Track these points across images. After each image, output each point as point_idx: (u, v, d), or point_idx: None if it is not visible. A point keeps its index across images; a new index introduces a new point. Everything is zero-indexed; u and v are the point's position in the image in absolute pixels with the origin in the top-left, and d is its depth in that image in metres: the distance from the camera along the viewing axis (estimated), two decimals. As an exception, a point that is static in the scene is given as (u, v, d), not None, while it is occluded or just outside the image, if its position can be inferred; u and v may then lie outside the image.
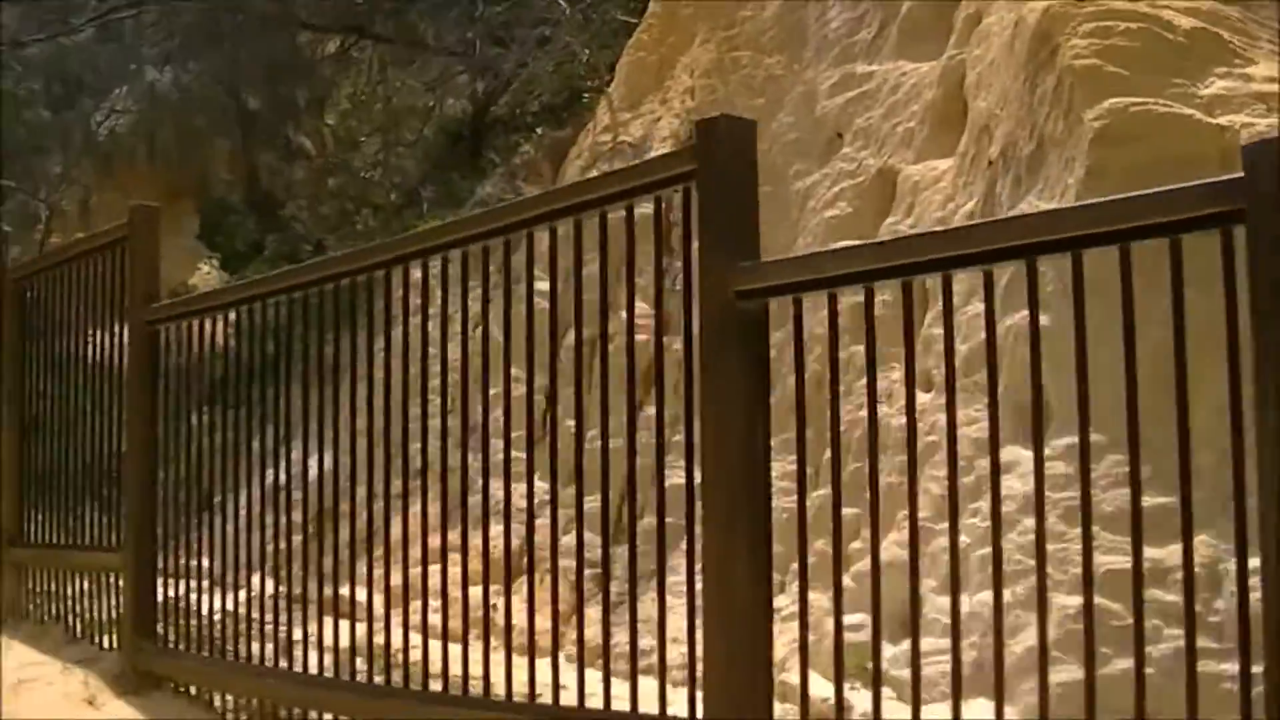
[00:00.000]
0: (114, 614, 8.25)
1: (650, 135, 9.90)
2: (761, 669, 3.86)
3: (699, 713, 4.35)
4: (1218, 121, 6.44)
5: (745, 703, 3.81)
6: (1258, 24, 7.38)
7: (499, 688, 5.48)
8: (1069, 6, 6.81)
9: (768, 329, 3.85)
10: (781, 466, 7.56)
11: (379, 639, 6.22)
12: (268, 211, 16.75)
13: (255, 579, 7.07)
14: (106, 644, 8.27)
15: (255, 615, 6.91)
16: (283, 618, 6.67)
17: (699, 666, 4.41)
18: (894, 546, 6.53)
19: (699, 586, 4.44)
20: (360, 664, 6.19)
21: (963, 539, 6.38)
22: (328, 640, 6.40)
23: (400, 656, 6.06)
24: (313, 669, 6.36)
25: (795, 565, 7.42)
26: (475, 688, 5.51)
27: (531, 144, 11.40)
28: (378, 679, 6.00)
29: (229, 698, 7.02)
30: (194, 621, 7.35)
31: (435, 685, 5.86)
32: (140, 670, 7.52)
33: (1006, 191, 6.83)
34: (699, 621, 4.36)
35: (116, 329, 8.03)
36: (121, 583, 7.93)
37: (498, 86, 13.17)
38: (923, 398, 6.93)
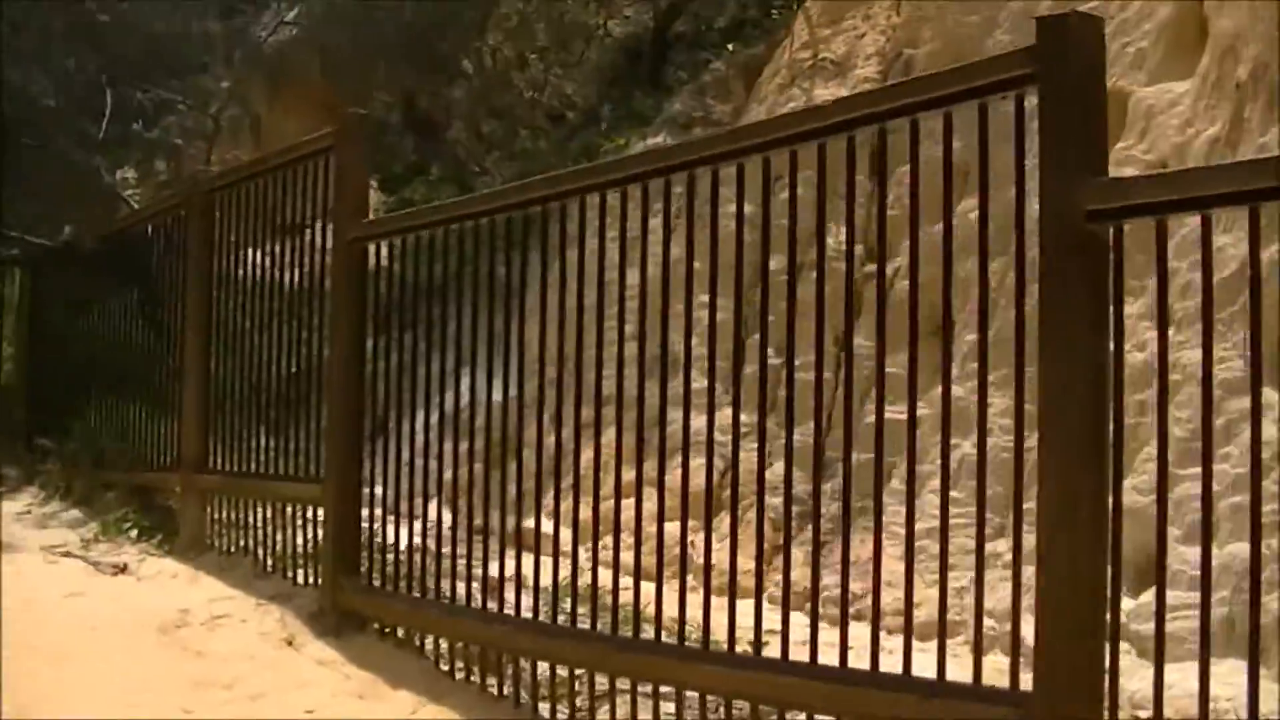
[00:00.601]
0: (308, 547, 7.98)
1: (854, 52, 9.76)
2: (1099, 636, 3.69)
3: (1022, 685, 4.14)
4: None
5: (1081, 676, 3.66)
6: None
7: (704, 631, 5.29)
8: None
9: (1121, 254, 3.68)
10: (1003, 403, 7.50)
11: (583, 580, 6.05)
12: (426, 132, 16.75)
13: (431, 508, 6.90)
14: (300, 579, 7.99)
15: (449, 550, 6.67)
16: (476, 553, 6.43)
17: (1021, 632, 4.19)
18: (1132, 492, 6.40)
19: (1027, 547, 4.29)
20: (575, 609, 6.00)
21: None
22: (527, 578, 6.17)
23: (609, 599, 5.91)
24: (525, 612, 6.09)
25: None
26: (694, 636, 5.28)
27: (722, 61, 11.29)
28: (610, 628, 5.64)
29: (443, 643, 6.62)
30: (395, 558, 7.01)
31: (652, 633, 5.56)
32: (341, 609, 7.23)
33: (1257, 117, 6.65)
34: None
35: (317, 245, 7.87)
36: (321, 515, 7.66)
37: (677, 2, 13.02)
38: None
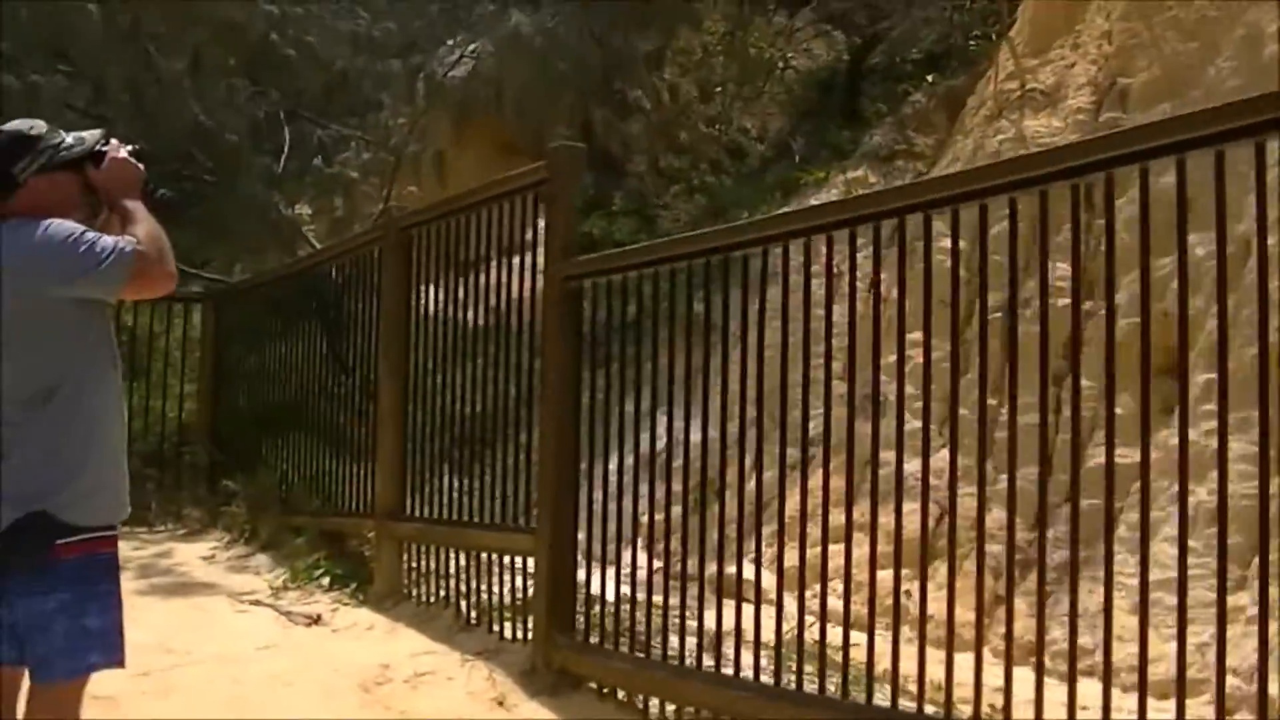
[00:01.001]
0: (515, 599, 7.60)
1: (1064, 83, 9.57)
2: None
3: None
4: None
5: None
6: None
7: (919, 687, 5.05)
8: None
9: None
10: (1242, 447, 7.26)
11: (808, 634, 5.77)
12: (604, 167, 16.74)
13: (627, 553, 6.68)
14: (508, 634, 7.57)
15: (659, 599, 6.41)
16: (689, 603, 6.22)
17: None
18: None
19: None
20: (801, 668, 5.68)
21: None
22: (747, 632, 5.89)
23: (840, 658, 5.68)
24: (745, 670, 5.82)
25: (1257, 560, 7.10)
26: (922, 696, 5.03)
27: (922, 92, 11.14)
28: (840, 691, 5.36)
29: (669, 706, 6.25)
30: (612, 611, 6.66)
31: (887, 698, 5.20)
32: (556, 667, 6.87)
33: None
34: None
35: (525, 283, 7.73)
36: (531, 566, 7.28)
37: (875, 35, 12.91)
38: None
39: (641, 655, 6.40)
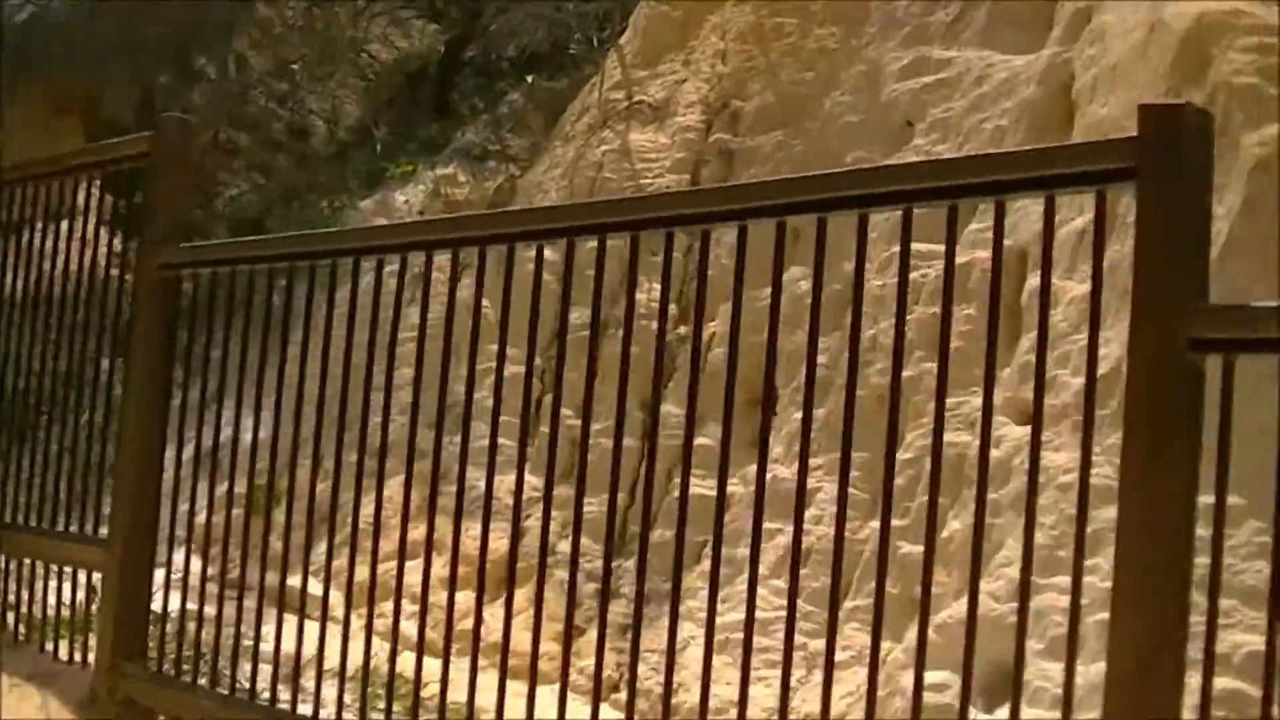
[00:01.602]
0: (76, 615, 6.94)
1: (674, 99, 9.50)
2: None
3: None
4: (1388, 165, 6.18)
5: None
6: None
7: None
8: (1226, 16, 6.50)
9: (1203, 384, 3.26)
10: (834, 490, 7.26)
11: (379, 661, 5.47)
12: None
13: (178, 557, 6.27)
14: (64, 654, 6.89)
15: (212, 611, 5.98)
16: (256, 625, 5.85)
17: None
18: (987, 598, 6.20)
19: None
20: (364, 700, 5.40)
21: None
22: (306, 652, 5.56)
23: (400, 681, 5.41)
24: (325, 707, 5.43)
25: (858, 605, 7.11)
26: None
27: (520, 92, 10.95)
28: None
29: None
30: (183, 634, 6.20)
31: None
32: (121, 699, 6.27)
33: (1132, 215, 6.50)
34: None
35: (114, 270, 7.10)
36: (100, 583, 6.60)
37: (471, 27, 12.65)
38: (1018, 431, 6.64)
39: (217, 689, 6.02)
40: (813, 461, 7.49)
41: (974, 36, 8.14)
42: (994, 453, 6.61)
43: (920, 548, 6.74)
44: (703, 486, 7.58)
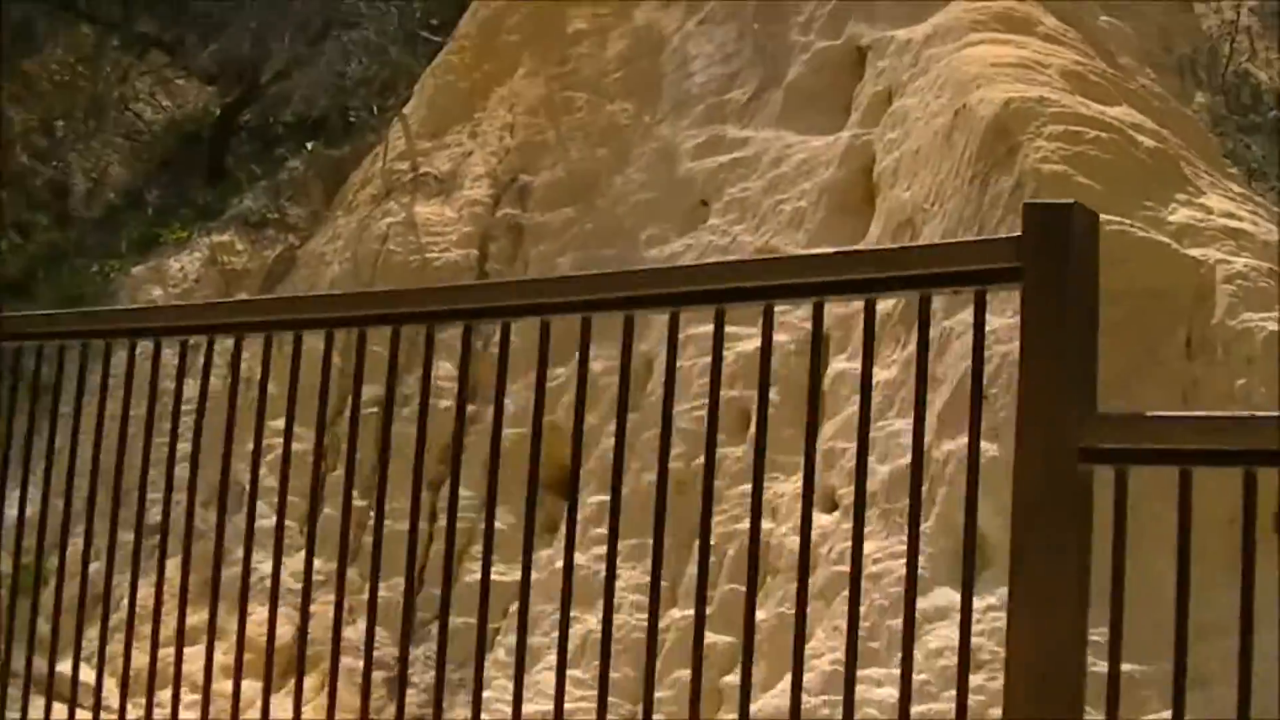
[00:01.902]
0: None
1: (461, 171, 9.30)
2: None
3: None
4: (1191, 254, 6.21)
5: None
6: (1194, 154, 7.25)
7: None
8: (1033, 104, 6.51)
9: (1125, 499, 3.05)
10: (635, 576, 7.09)
11: None
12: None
13: None
14: None
15: None
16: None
17: None
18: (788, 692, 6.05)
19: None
20: None
21: (890, 691, 6.02)
22: None
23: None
24: None
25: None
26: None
27: (300, 159, 10.65)
28: None
29: None
30: None
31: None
32: None
33: (943, 298, 6.45)
34: None
35: None
36: None
37: (249, 91, 12.31)
38: (825, 519, 6.54)
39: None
40: (605, 549, 7.41)
41: (770, 117, 8.08)
42: (797, 540, 6.53)
43: (725, 638, 6.67)
44: (495, 571, 7.43)
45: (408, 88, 10.38)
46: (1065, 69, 7.12)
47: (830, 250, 4.32)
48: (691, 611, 6.77)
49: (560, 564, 6.66)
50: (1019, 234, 3.01)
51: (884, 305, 6.74)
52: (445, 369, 8.44)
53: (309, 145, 10.69)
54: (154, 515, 5.22)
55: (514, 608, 7.64)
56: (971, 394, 3.06)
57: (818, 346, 3.29)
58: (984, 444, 5.87)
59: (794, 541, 6.49)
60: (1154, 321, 6.07)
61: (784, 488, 6.78)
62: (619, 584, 7.13)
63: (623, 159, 8.66)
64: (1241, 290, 6.13)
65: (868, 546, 6.20)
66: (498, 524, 6.06)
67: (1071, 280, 2.97)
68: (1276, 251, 6.46)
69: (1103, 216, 6.11)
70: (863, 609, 6.02)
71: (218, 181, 11.51)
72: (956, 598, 5.81)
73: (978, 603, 5.82)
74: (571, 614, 5.48)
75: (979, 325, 3.05)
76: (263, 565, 6.83)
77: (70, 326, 5.78)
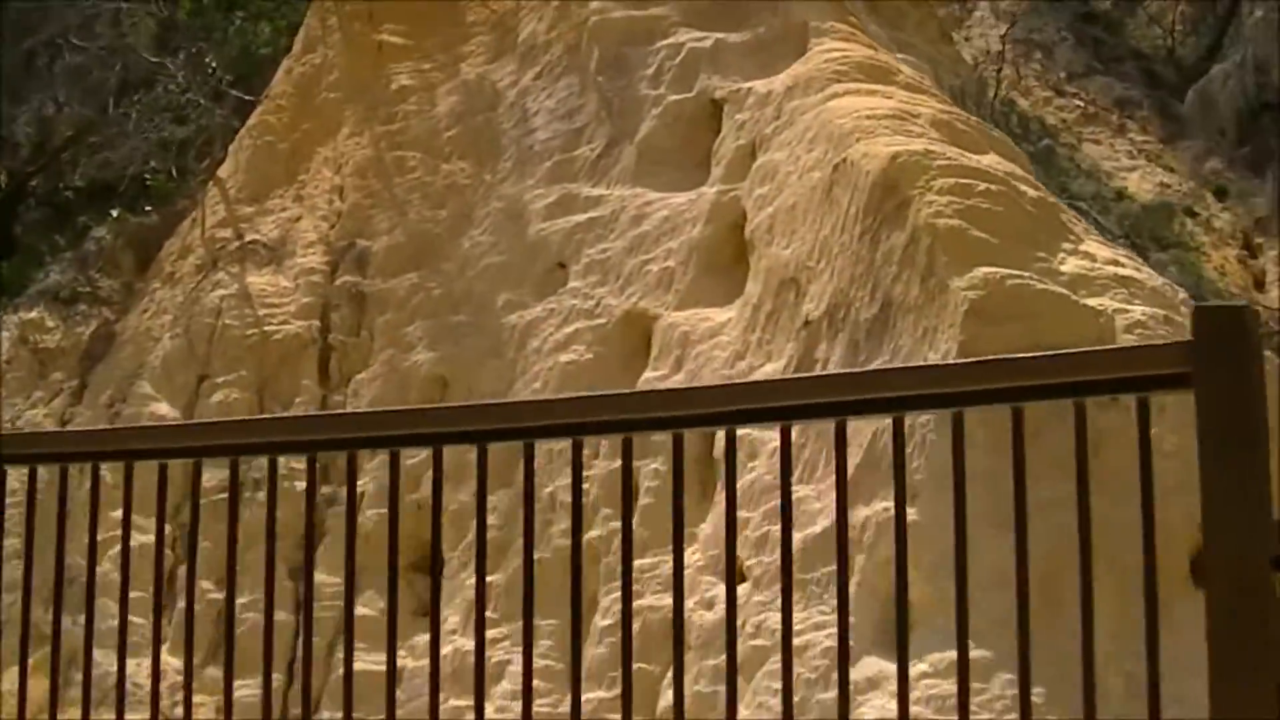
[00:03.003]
0: None
1: (291, 238, 9.07)
2: None
3: None
4: (1089, 304, 6.26)
5: None
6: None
7: None
8: (920, 157, 6.52)
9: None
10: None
11: None
12: None
13: None
14: None
15: None
16: None
17: None
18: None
19: None
20: None
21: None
22: None
23: None
24: None
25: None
26: None
27: (107, 228, 10.27)
28: None
29: None
30: None
31: None
32: None
33: (837, 356, 6.44)
34: None
35: None
36: None
37: (34, 156, 11.85)
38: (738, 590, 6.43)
39: None
40: (497, 631, 7.24)
41: (624, 174, 8.00)
42: (709, 615, 6.45)
43: (638, 718, 6.54)
44: (367, 661, 7.20)
45: (212, 149, 10.11)
46: (935, 119, 7.16)
47: (969, 360, 4.22)
48: (591, 695, 6.70)
49: (447, 649, 6.49)
50: (1189, 339, 2.94)
51: (774, 366, 6.72)
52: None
53: (113, 213, 10.32)
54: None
55: (402, 694, 7.48)
56: (1143, 507, 2.96)
57: (901, 464, 3.14)
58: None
59: (702, 616, 6.41)
60: (1058, 374, 6.09)
61: (692, 558, 6.70)
62: (512, 668, 7.01)
63: (466, 220, 8.52)
64: (1142, 339, 6.19)
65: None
66: (365, 610, 5.90)
67: (1250, 385, 2.89)
68: (1165, 298, 6.55)
69: (1000, 270, 6.19)
70: (778, 684, 5.98)
71: (8, 253, 11.08)
72: (885, 666, 5.81)
73: (911, 669, 5.84)
74: (461, 703, 5.32)
75: (1144, 436, 2.96)
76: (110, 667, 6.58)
77: None
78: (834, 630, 5.92)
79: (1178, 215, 15.09)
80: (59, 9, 11.82)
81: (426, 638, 7.63)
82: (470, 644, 6.92)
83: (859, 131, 6.81)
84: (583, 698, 6.56)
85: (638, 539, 6.72)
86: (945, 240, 6.23)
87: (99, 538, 4.47)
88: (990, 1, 16.38)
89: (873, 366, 6.31)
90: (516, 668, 6.93)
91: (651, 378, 7.21)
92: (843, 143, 6.83)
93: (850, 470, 6.15)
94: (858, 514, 6.08)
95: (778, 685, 5.93)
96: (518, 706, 6.68)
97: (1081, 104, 16.48)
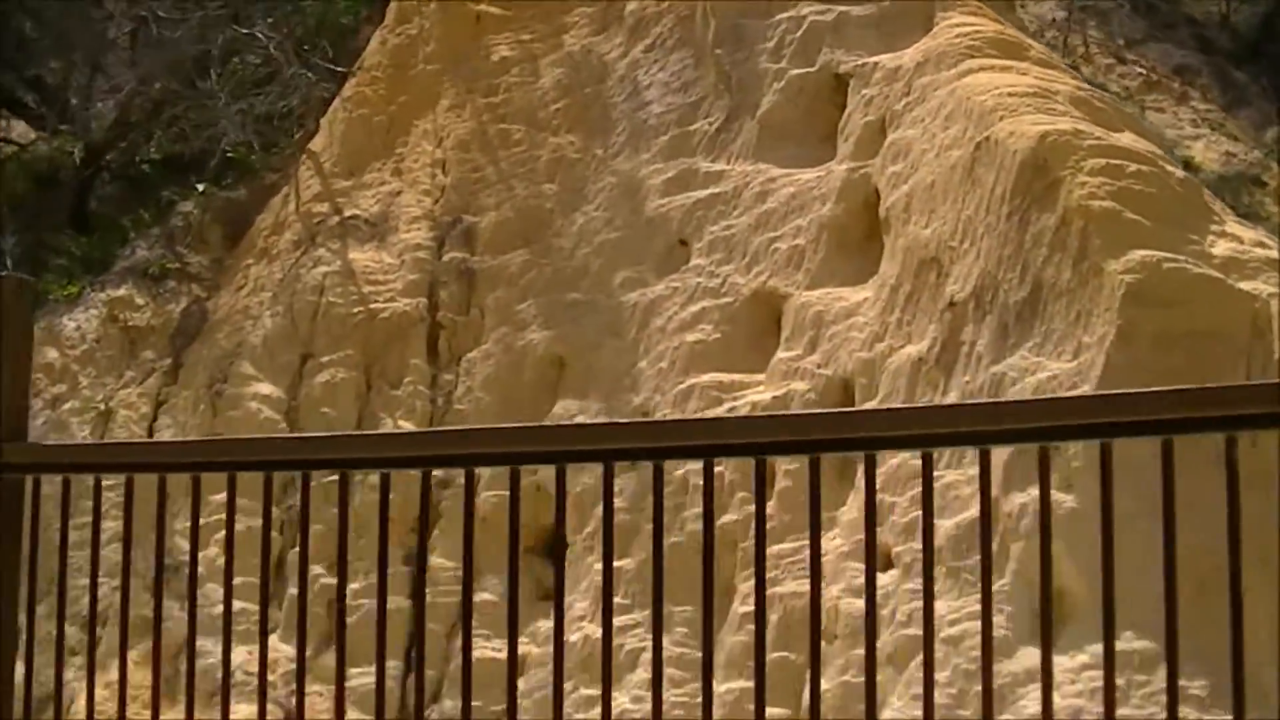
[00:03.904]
0: None
1: (392, 213, 9.22)
2: None
3: None
4: (1243, 288, 6.39)
5: None
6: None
7: None
8: (1069, 137, 6.65)
9: None
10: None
11: None
12: None
13: None
14: None
15: None
16: None
17: None
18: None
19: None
20: None
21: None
22: None
23: None
24: None
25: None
26: None
27: (194, 203, 10.40)
28: None
29: None
30: None
31: None
32: None
33: (986, 341, 6.59)
34: None
35: None
36: None
37: (113, 129, 11.95)
38: (883, 579, 6.59)
39: None
40: (629, 617, 7.39)
41: (745, 149, 8.14)
42: (857, 602, 6.59)
43: (780, 710, 6.71)
44: (488, 648, 7.35)
45: (302, 121, 10.24)
46: (1073, 96, 7.29)
47: (1061, 396, 4.34)
48: (733, 685, 6.84)
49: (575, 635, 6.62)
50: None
51: (916, 349, 6.87)
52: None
53: (199, 187, 10.46)
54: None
55: (526, 684, 7.61)
56: (1229, 546, 3.08)
57: (1050, 501, 3.22)
58: (1059, 495, 6.06)
59: (848, 604, 6.55)
60: (1214, 363, 6.21)
61: (824, 545, 6.85)
62: (646, 656, 7.15)
63: (577, 195, 8.66)
64: (1300, 324, 6.33)
65: (939, 607, 6.30)
66: (486, 595, 6.06)
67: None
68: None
69: (1156, 253, 6.32)
70: (945, 675, 6.13)
71: (86, 229, 11.21)
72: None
73: (1069, 661, 6.00)
74: (590, 693, 5.45)
75: (1232, 478, 3.08)
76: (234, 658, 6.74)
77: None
78: (997, 620, 6.12)
79: (1245, 184, 15.20)
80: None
81: (550, 624, 7.81)
82: (599, 630, 7.09)
83: (1001, 109, 6.94)
84: (724, 687, 6.79)
85: (777, 524, 6.88)
86: (1099, 222, 6.37)
87: (202, 521, 4.55)
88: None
89: (1024, 349, 6.48)
90: (646, 654, 7.11)
91: (785, 358, 7.36)
92: (984, 121, 6.95)
93: (1005, 454, 6.33)
94: (1012, 501, 6.23)
95: (940, 675, 6.08)
96: (648, 695, 6.87)
97: (1143, 71, 16.55)
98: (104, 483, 4.97)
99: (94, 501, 4.71)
